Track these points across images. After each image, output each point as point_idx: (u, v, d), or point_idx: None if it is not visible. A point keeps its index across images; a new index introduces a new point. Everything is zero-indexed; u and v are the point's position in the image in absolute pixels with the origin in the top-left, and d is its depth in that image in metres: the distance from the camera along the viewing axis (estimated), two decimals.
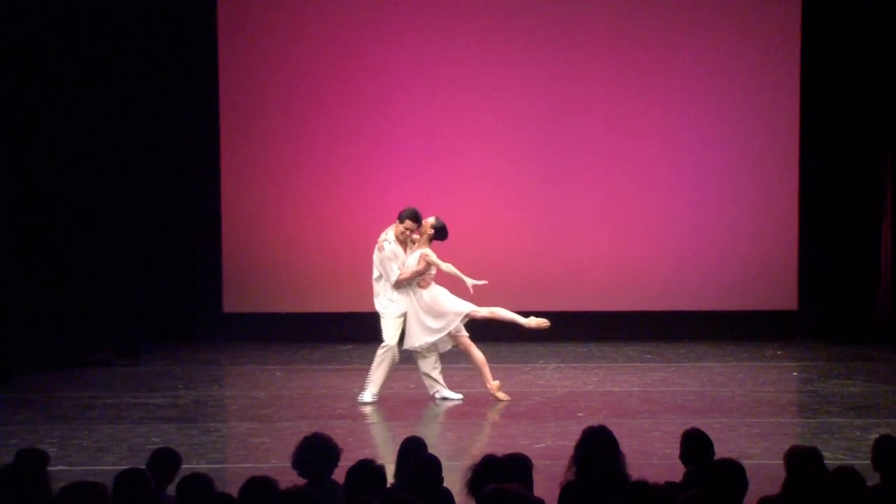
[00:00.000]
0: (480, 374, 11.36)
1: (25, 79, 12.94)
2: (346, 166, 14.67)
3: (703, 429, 6.47)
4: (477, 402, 11.26)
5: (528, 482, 6.06)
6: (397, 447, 6.57)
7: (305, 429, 9.01)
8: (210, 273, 14.52)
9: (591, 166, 14.70)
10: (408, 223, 11.21)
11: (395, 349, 11.25)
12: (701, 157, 14.70)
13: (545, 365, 13.18)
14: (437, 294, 11.33)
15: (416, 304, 11.25)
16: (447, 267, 11.24)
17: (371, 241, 14.87)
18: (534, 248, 14.69)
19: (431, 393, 11.38)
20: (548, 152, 14.69)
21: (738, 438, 9.61)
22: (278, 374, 11.90)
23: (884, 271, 14.59)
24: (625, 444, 6.26)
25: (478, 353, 11.34)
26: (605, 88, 14.64)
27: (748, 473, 5.46)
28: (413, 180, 14.66)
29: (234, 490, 5.56)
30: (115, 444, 9.69)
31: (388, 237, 11.28)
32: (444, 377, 11.32)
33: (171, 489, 6.03)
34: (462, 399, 11.32)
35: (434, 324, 11.25)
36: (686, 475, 6.20)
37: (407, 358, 13.58)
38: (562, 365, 13.19)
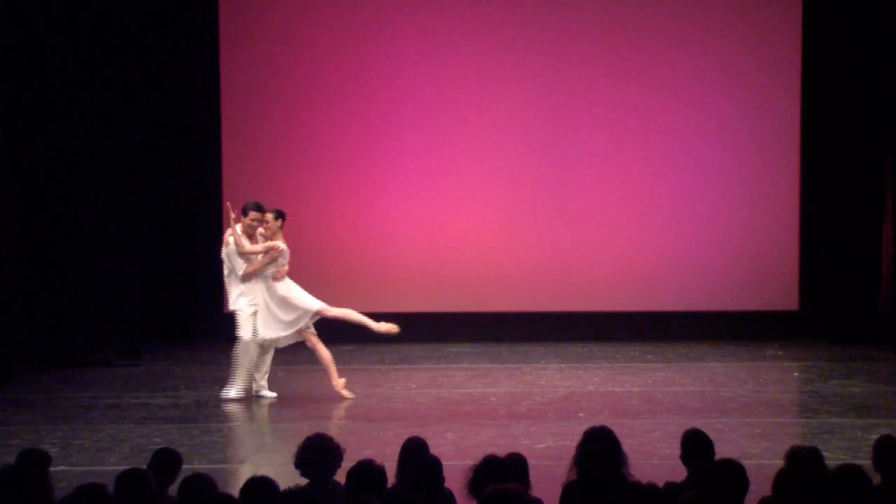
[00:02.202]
0: (327, 371, 11.45)
1: (26, 79, 12.94)
2: (347, 166, 14.67)
3: (703, 429, 6.47)
4: (478, 403, 11.26)
5: (526, 481, 6.08)
6: (398, 448, 6.57)
7: (307, 429, 9.02)
8: (211, 273, 14.48)
9: (591, 166, 14.70)
10: (252, 214, 11.32)
11: (254, 343, 11.31)
12: (702, 157, 14.69)
13: (546, 365, 13.18)
14: (291, 288, 11.43)
15: (269, 298, 11.35)
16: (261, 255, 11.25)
17: (372, 242, 14.93)
18: (535, 249, 14.68)
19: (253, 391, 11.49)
20: (548, 152, 14.68)
21: (738, 438, 9.61)
22: (279, 374, 11.90)
23: (884, 271, 14.58)
24: (626, 445, 6.26)
25: (324, 351, 11.46)
26: (605, 89, 14.63)
27: (749, 473, 5.46)
28: (413, 180, 14.68)
29: (235, 490, 5.56)
30: (117, 444, 9.69)
31: (235, 232, 11.34)
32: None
33: (173, 489, 6.04)
34: (276, 397, 11.42)
35: (286, 317, 11.36)
36: (687, 475, 6.20)
37: (406, 358, 13.61)
38: (563, 365, 13.19)
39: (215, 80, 14.61)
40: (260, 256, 11.35)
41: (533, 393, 11.72)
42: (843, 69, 14.49)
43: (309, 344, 11.48)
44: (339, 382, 11.44)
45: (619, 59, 14.61)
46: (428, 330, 14.60)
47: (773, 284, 14.70)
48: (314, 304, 11.43)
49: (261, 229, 11.42)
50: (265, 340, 11.37)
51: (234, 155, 14.68)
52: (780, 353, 13.92)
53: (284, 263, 11.44)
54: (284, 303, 11.37)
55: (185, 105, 14.71)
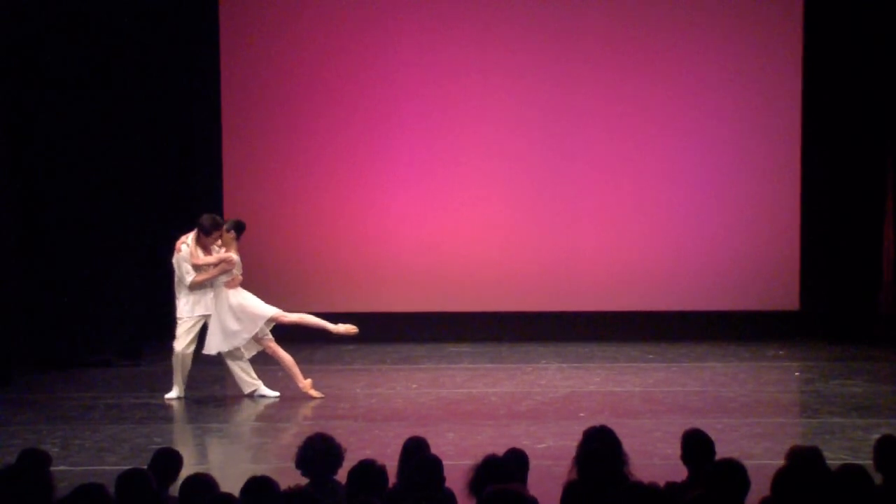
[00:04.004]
0: (291, 375, 11.45)
1: (26, 79, 12.93)
2: (348, 166, 14.67)
3: (704, 429, 6.46)
4: (478, 402, 11.26)
5: (524, 478, 6.08)
6: (399, 447, 6.56)
7: (307, 429, 9.02)
8: None
9: (592, 166, 14.69)
10: (215, 234, 11.30)
11: (186, 355, 11.32)
12: (703, 157, 14.68)
13: (547, 365, 13.18)
14: (244, 297, 11.41)
15: (221, 307, 11.33)
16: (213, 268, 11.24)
17: (372, 241, 14.92)
18: (535, 249, 14.68)
19: (248, 392, 11.48)
20: (548, 152, 14.68)
21: (739, 438, 9.60)
22: (280, 374, 11.89)
23: (885, 271, 14.57)
24: (626, 445, 6.25)
25: (285, 355, 11.47)
26: (605, 88, 14.62)
27: (750, 473, 5.45)
28: (414, 181, 14.67)
29: (235, 490, 5.55)
30: (117, 444, 9.69)
31: (187, 240, 11.33)
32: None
33: (174, 489, 6.03)
34: (279, 396, 11.42)
35: (236, 326, 11.32)
36: (688, 475, 6.20)
37: (405, 358, 13.61)
38: (563, 365, 13.19)
39: (216, 79, 14.61)
40: (212, 267, 11.33)
41: (534, 393, 11.72)
42: (844, 69, 14.47)
43: (269, 351, 11.50)
44: (305, 384, 11.44)
45: (620, 59, 14.59)
46: (429, 330, 14.60)
47: (774, 284, 14.69)
48: (268, 310, 11.42)
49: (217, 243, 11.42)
50: (211, 353, 11.37)
51: (235, 154, 14.68)
52: (780, 353, 13.91)
53: (238, 273, 11.41)
54: (238, 312, 11.34)
55: (185, 104, 14.69)
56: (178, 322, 11.42)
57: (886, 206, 14.54)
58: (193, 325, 11.38)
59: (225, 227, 11.45)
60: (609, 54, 14.61)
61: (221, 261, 11.30)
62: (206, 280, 11.31)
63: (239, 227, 11.50)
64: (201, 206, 14.45)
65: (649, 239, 14.67)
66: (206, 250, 11.36)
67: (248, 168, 14.59)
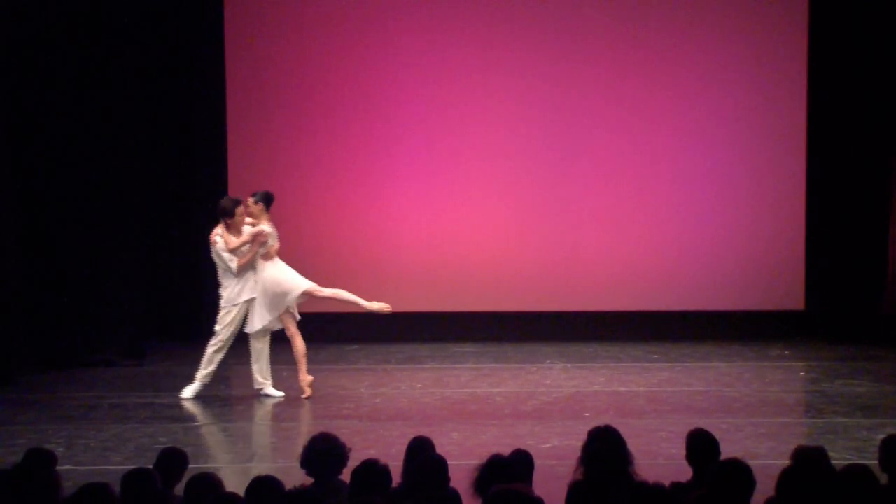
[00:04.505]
0: (297, 365, 11.42)
1: (26, 78, 12.91)
2: (351, 165, 14.67)
3: (709, 429, 6.46)
4: (483, 402, 11.26)
5: (529, 478, 6.08)
6: (403, 447, 6.56)
7: (312, 429, 9.03)
8: (214, 273, 14.50)
9: (595, 166, 14.68)
10: (238, 211, 11.35)
11: (223, 341, 11.40)
12: (707, 157, 14.68)
13: (551, 365, 13.18)
14: (279, 270, 11.39)
15: (262, 285, 11.33)
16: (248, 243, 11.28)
17: (376, 241, 14.93)
18: (539, 248, 14.67)
19: (256, 388, 11.51)
20: (553, 152, 14.67)
21: (744, 438, 9.61)
22: (284, 373, 11.90)
23: (890, 271, 14.55)
24: (631, 445, 6.24)
25: (300, 344, 11.42)
26: (608, 87, 14.62)
27: (754, 473, 5.45)
28: (417, 179, 14.67)
29: (240, 490, 5.56)
30: (122, 443, 9.70)
31: (219, 231, 11.38)
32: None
33: (179, 489, 6.04)
34: (283, 396, 11.43)
35: (270, 300, 11.31)
36: (693, 475, 6.20)
37: (409, 357, 13.61)
38: (568, 365, 13.18)
39: (220, 79, 14.61)
40: (248, 246, 11.33)
41: (538, 393, 11.72)
42: (849, 69, 14.46)
43: (288, 332, 11.42)
44: (306, 379, 11.44)
45: (624, 58, 14.59)
46: (433, 329, 14.60)
47: (779, 284, 14.68)
48: (303, 284, 11.40)
49: (248, 218, 11.42)
50: (255, 329, 11.37)
51: (238, 154, 14.68)
52: (785, 353, 13.91)
53: (274, 244, 11.41)
54: (276, 283, 11.33)
55: (188, 104, 14.69)
56: (222, 310, 11.44)
57: (891, 207, 14.52)
58: (238, 313, 11.39)
59: (253, 198, 11.42)
60: (612, 54, 14.60)
61: (254, 236, 11.29)
62: (250, 260, 11.30)
63: (268, 199, 11.47)
64: (204, 206, 14.50)
65: (653, 239, 14.66)
66: (238, 232, 11.34)
67: (252, 167, 14.58)
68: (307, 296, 11.40)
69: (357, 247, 14.65)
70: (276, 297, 11.32)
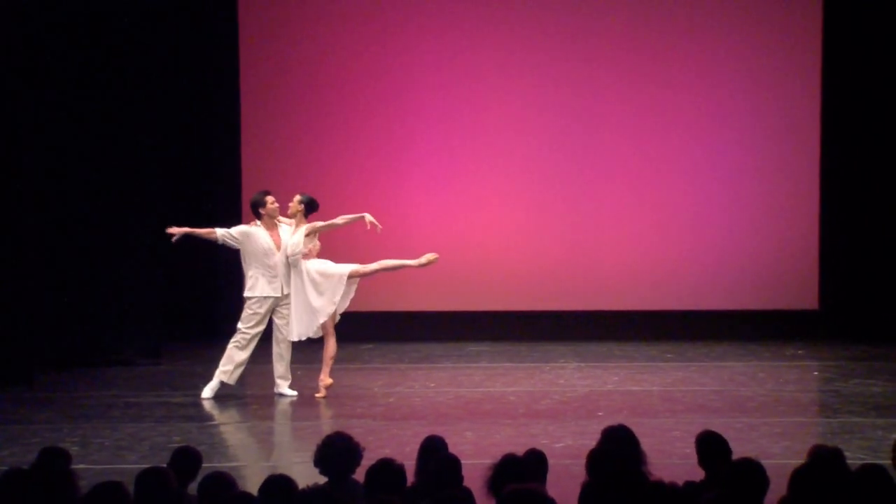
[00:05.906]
0: (323, 364, 11.40)
1: (27, 79, 12.83)
2: (366, 165, 14.69)
3: (723, 428, 6.46)
4: (497, 402, 11.26)
5: (543, 478, 6.08)
6: (417, 447, 6.57)
7: (326, 428, 9.04)
8: (231, 271, 14.52)
9: (610, 166, 14.68)
10: (269, 199, 11.45)
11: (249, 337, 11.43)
12: (722, 156, 14.66)
13: (565, 364, 13.17)
14: (321, 263, 11.37)
15: (310, 277, 11.27)
16: (340, 219, 11.35)
17: (391, 241, 14.93)
18: (554, 248, 14.67)
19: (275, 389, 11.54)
20: (567, 152, 14.67)
21: (759, 438, 9.59)
22: (299, 372, 11.91)
23: None
24: (645, 444, 6.25)
25: (333, 346, 11.40)
26: (623, 88, 14.61)
27: (769, 473, 5.44)
28: (431, 179, 14.68)
29: (254, 489, 5.57)
30: (137, 442, 9.72)
31: (258, 225, 11.46)
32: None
33: (193, 488, 6.05)
34: (297, 395, 11.43)
35: (318, 301, 11.24)
36: (706, 475, 6.19)
37: (423, 357, 13.62)
38: (582, 364, 13.18)
39: (235, 77, 14.64)
40: (304, 241, 11.32)
41: (552, 392, 11.71)
42: (863, 66, 14.43)
43: (323, 331, 11.40)
44: (326, 380, 11.44)
45: (637, 59, 14.58)
46: (447, 329, 14.61)
47: (794, 283, 14.66)
48: (345, 268, 11.38)
49: (281, 217, 11.44)
50: (303, 336, 11.39)
51: (253, 153, 14.71)
52: (800, 352, 13.88)
53: (314, 246, 11.42)
54: (317, 280, 11.33)
55: (205, 102, 14.73)
56: (246, 304, 11.47)
57: None
58: (259, 308, 11.42)
59: (300, 197, 11.46)
60: (626, 56, 14.59)
61: (309, 231, 11.28)
62: (312, 249, 11.33)
63: (311, 204, 11.48)
64: (221, 204, 14.54)
65: (667, 238, 14.65)
66: (272, 223, 11.39)
67: (267, 166, 14.60)
68: (354, 276, 11.37)
69: (371, 246, 14.63)
70: (328, 283, 11.26)
